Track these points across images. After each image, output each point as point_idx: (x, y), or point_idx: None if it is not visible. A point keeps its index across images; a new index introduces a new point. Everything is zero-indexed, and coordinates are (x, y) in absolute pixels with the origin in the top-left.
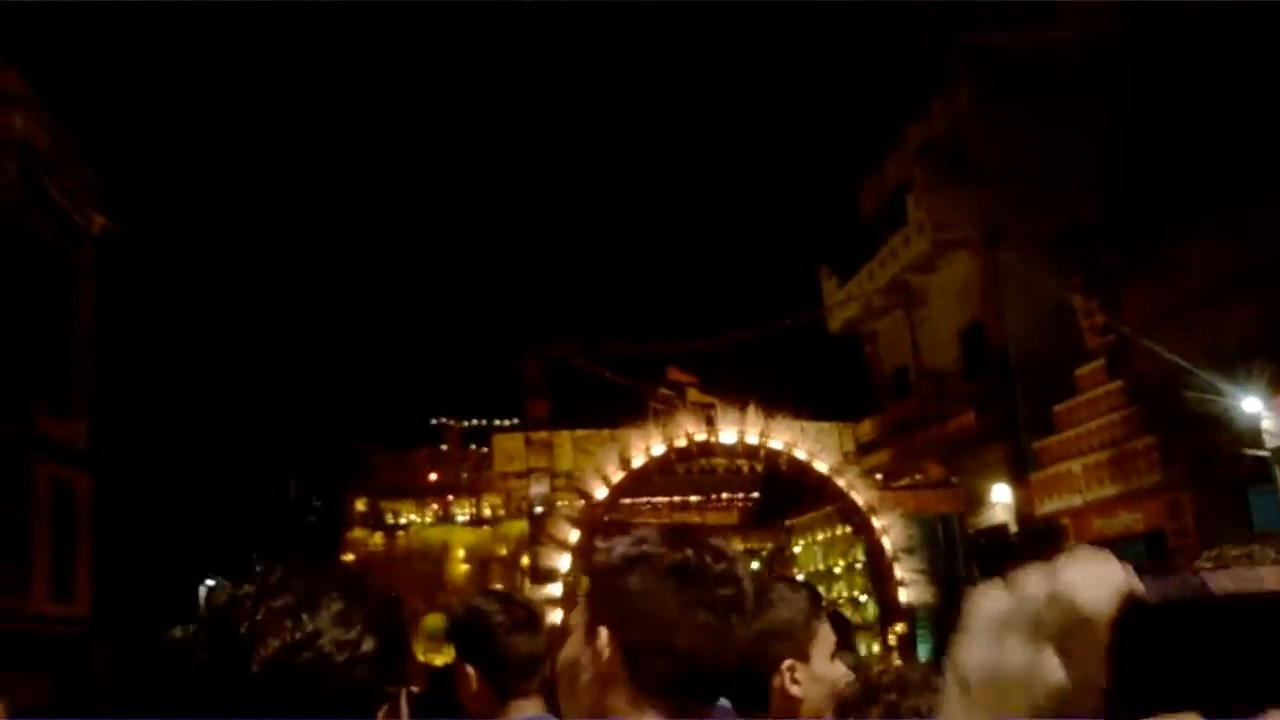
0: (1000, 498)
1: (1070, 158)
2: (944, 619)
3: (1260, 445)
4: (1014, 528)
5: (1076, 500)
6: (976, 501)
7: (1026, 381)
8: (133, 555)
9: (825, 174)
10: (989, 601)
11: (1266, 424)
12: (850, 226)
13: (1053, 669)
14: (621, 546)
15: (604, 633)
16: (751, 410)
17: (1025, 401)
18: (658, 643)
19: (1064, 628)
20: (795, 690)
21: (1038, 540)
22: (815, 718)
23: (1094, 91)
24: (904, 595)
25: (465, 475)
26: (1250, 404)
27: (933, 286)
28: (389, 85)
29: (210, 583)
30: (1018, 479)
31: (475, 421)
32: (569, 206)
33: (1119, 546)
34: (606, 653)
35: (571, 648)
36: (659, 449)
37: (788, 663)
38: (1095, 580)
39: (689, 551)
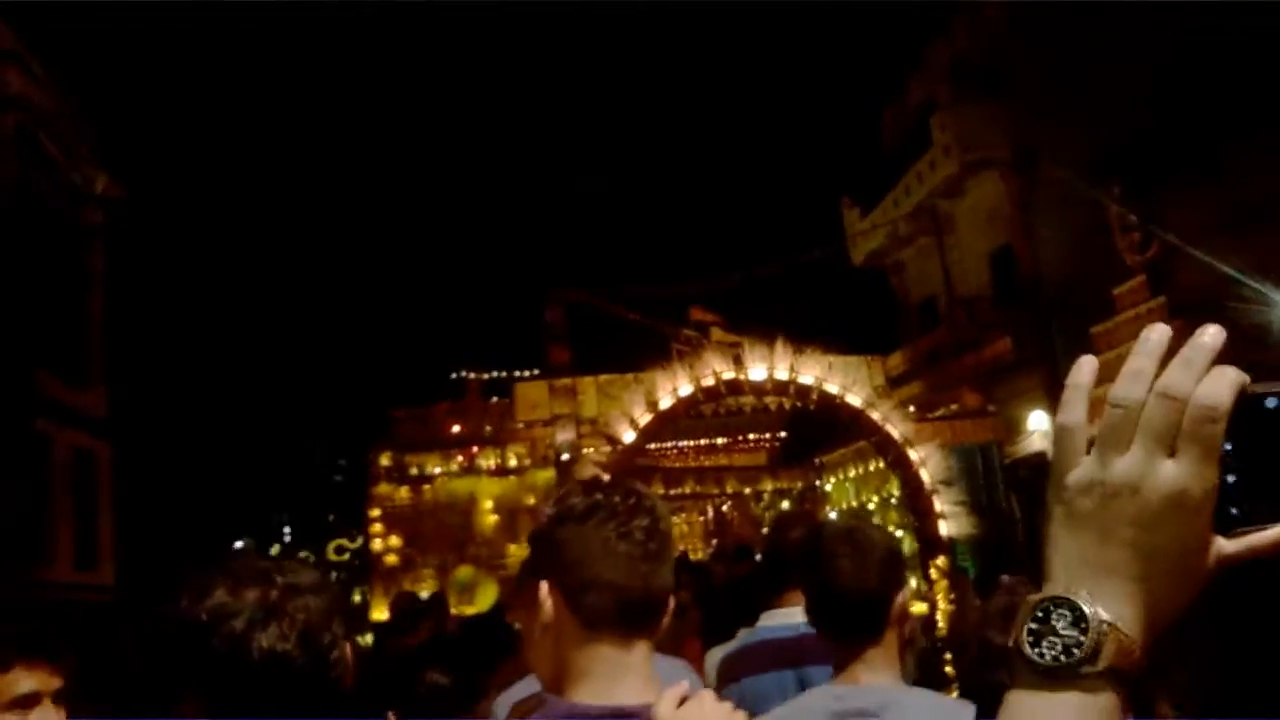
0: (1038, 425)
1: (1106, 74)
2: (986, 550)
3: None
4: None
5: None
6: (1014, 430)
7: (1062, 305)
8: (157, 521)
9: (845, 103)
10: (1075, 413)
11: None
12: (872, 156)
13: (1165, 470)
14: (548, 509)
15: (544, 586)
16: (779, 346)
17: (1061, 325)
18: (590, 581)
19: (1174, 426)
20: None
21: None
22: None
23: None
24: (944, 528)
25: (488, 426)
26: None
27: (960, 211)
28: (407, 36)
29: (240, 544)
30: (1056, 405)
31: (496, 374)
32: (585, 148)
33: None
34: (549, 602)
35: (529, 615)
36: (686, 390)
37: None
38: (1208, 376)
39: (599, 496)
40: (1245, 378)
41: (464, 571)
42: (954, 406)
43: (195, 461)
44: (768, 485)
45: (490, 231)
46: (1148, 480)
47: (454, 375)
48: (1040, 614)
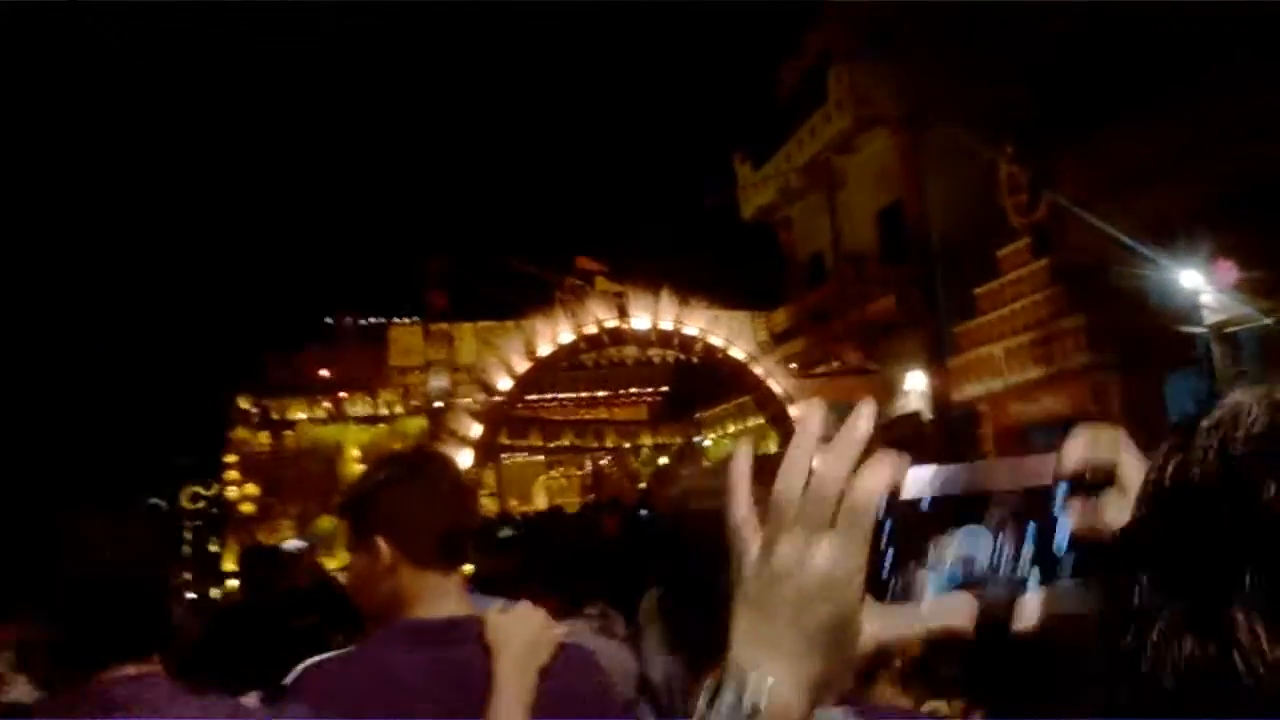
0: (915, 384)
1: (1002, 36)
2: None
3: (1197, 323)
4: (928, 415)
5: (997, 384)
6: (896, 389)
7: (948, 265)
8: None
9: (741, 55)
10: (741, 511)
11: (1205, 299)
12: (766, 111)
13: (820, 556)
14: (365, 477)
15: (379, 540)
16: (664, 296)
17: (946, 285)
18: (416, 528)
19: (828, 515)
20: None
21: (952, 427)
22: None
23: None
24: None
25: (360, 371)
26: (1188, 279)
27: (852, 167)
28: None
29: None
30: (936, 365)
31: (373, 320)
32: (473, 92)
33: (1038, 432)
34: (386, 550)
35: (355, 562)
36: (567, 337)
37: None
38: (865, 468)
39: (405, 458)
40: (899, 472)
41: (325, 522)
42: (836, 364)
43: (43, 401)
44: (647, 440)
45: (373, 172)
46: (804, 566)
47: (328, 320)
48: (714, 687)
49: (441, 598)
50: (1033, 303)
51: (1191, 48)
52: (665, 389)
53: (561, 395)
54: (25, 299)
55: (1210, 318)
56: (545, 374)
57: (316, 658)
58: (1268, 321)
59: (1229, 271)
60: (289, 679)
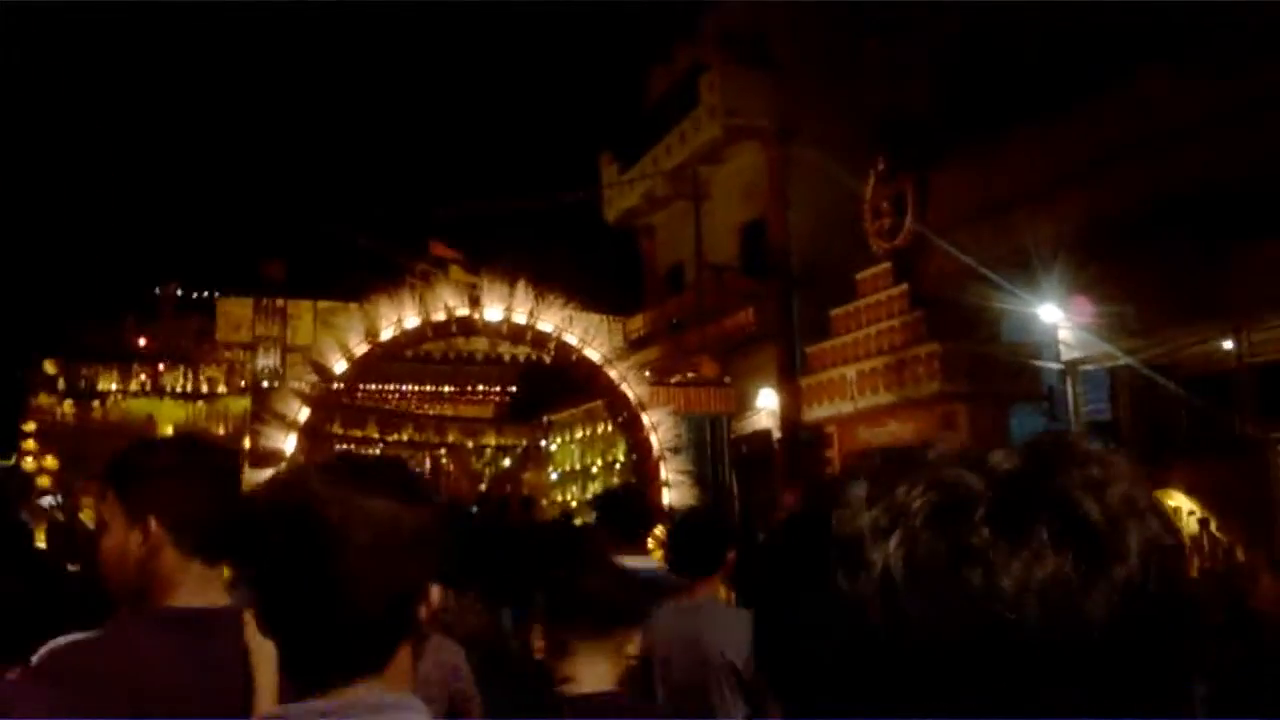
0: (766, 403)
1: (878, 54)
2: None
3: (1052, 357)
4: (777, 434)
5: (847, 408)
6: (746, 405)
7: (806, 284)
8: None
9: (612, 58)
10: None
11: (1063, 334)
12: (635, 114)
13: None
14: (144, 452)
15: (152, 520)
16: (520, 288)
17: (804, 304)
18: (192, 515)
19: None
20: None
21: (799, 448)
22: None
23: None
24: (667, 496)
25: (183, 344)
26: (1047, 313)
27: (718, 179)
28: None
29: None
30: (787, 384)
31: (200, 293)
32: (339, 63)
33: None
34: (157, 532)
35: (115, 537)
36: (413, 322)
37: None
38: None
39: (191, 442)
40: None
41: None
42: (690, 375)
43: None
44: (491, 440)
45: (213, 132)
46: None
47: (154, 289)
48: None
49: (203, 588)
50: (889, 328)
51: (1065, 69)
52: (513, 389)
53: (404, 387)
54: None
55: (1066, 354)
56: (387, 361)
57: (65, 638)
58: (1122, 361)
59: (1085, 307)
60: (35, 658)
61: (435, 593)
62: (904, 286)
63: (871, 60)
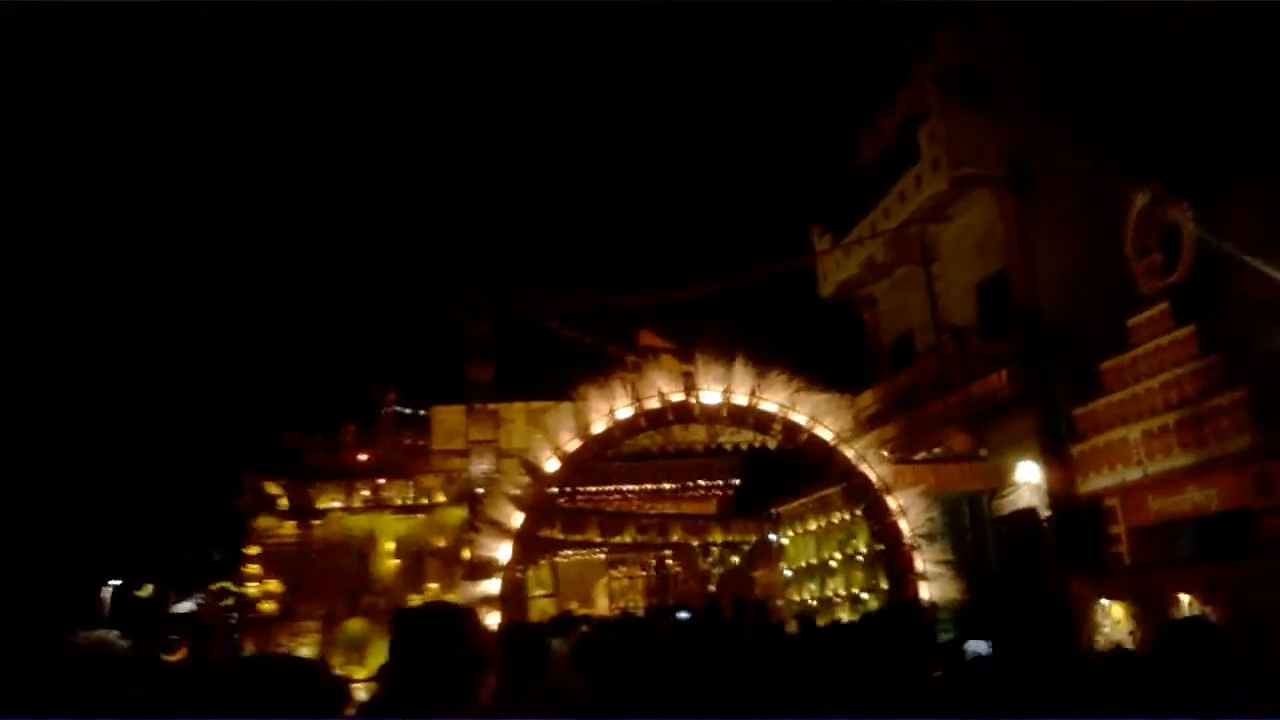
0: (1027, 476)
1: (1119, 75)
2: (972, 620)
3: None
4: (1045, 511)
5: (1134, 474)
6: (1006, 480)
7: (1061, 339)
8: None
9: (820, 126)
10: None
11: None
12: (845, 181)
13: None
14: None
15: None
16: (739, 367)
17: (1061, 362)
18: None
19: None
20: None
21: (1073, 525)
22: None
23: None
24: (925, 591)
25: (400, 456)
26: None
27: (946, 236)
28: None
29: (114, 583)
30: (1051, 453)
31: (408, 411)
32: (538, 151)
33: (1184, 530)
34: None
35: None
36: (626, 412)
37: None
38: None
39: None
40: None
41: (355, 625)
42: (938, 450)
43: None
44: (718, 537)
45: (415, 228)
46: None
47: (366, 395)
48: None
49: None
50: (1176, 376)
51: None
52: (737, 481)
53: (624, 487)
54: (36, 369)
55: None
56: (603, 460)
57: None
58: None
59: None
60: None
61: None
62: (1190, 328)
63: (1113, 78)
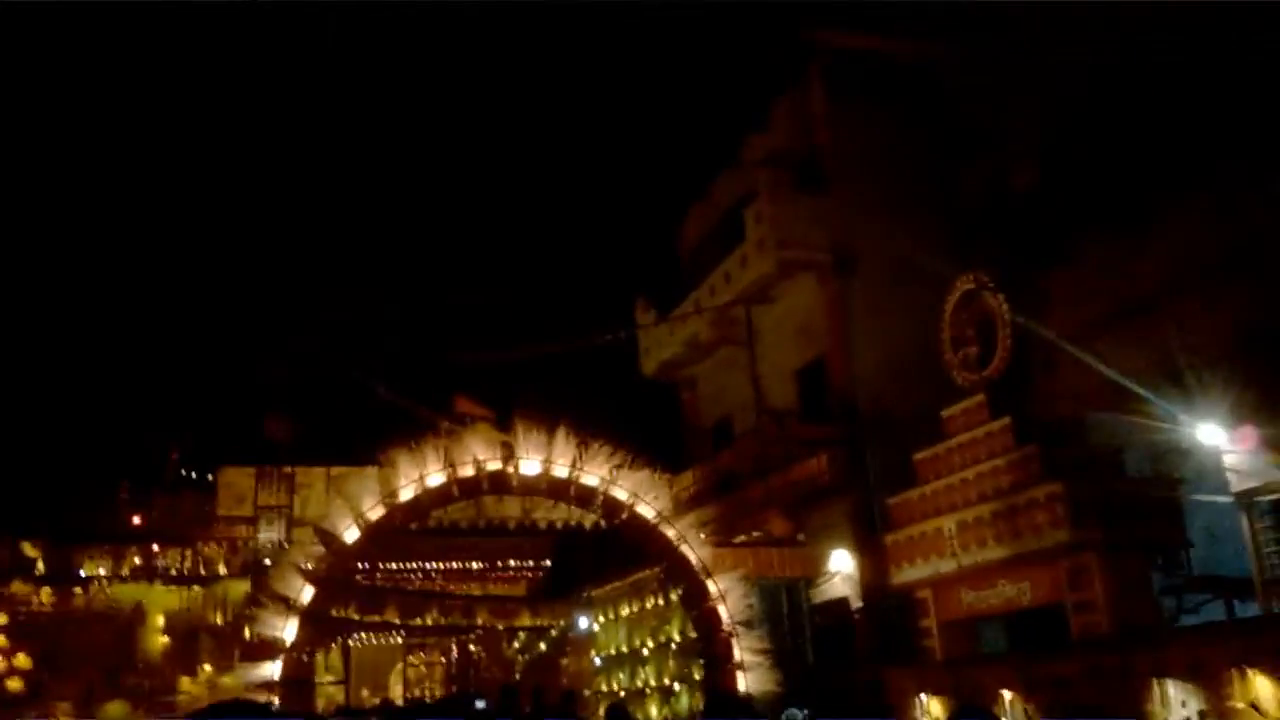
0: (840, 565)
1: (948, 167)
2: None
3: (1218, 489)
4: (856, 602)
5: (947, 565)
6: (823, 567)
7: (878, 427)
8: None
9: (647, 198)
10: None
11: (1231, 460)
12: (673, 256)
13: None
14: None
15: None
16: (561, 436)
17: (877, 450)
18: None
19: None
20: None
21: (884, 617)
22: None
23: (974, 98)
24: (742, 681)
25: (180, 522)
26: (1208, 434)
27: (769, 319)
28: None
29: None
30: (865, 542)
31: (200, 467)
32: (357, 207)
33: (993, 627)
34: None
35: None
36: (437, 479)
37: None
38: None
39: None
40: None
41: (115, 709)
42: (757, 534)
43: None
44: (526, 620)
45: (208, 268)
46: None
47: (144, 447)
48: None
49: None
50: (993, 468)
51: (1189, 156)
52: (548, 561)
53: (428, 564)
54: None
55: (1241, 483)
56: (406, 534)
57: None
58: None
59: (1249, 431)
60: None
61: None
62: (1006, 420)
63: (942, 170)
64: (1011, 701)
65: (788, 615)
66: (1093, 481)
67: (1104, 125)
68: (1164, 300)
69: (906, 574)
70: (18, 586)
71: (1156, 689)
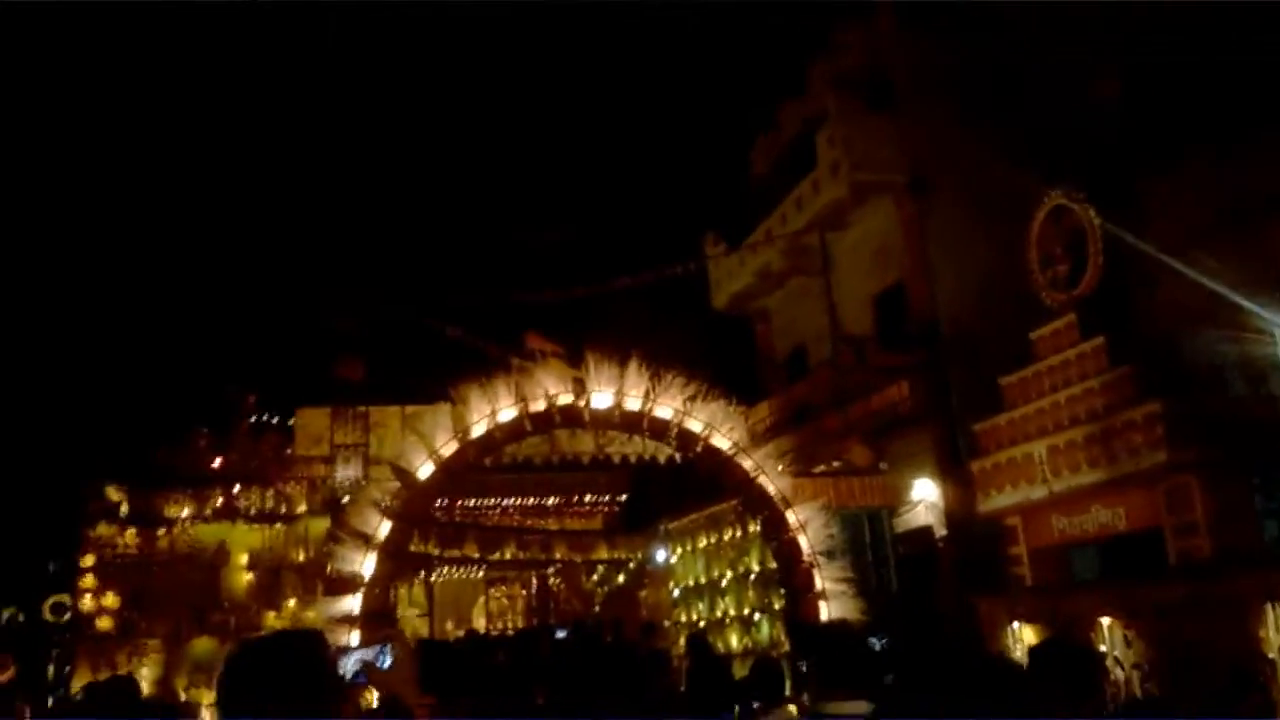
0: (923, 494)
1: (1016, 83)
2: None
3: None
4: (940, 530)
5: (1038, 492)
6: (905, 496)
7: (961, 352)
8: None
9: (715, 131)
10: None
11: None
12: (742, 189)
13: None
14: None
15: None
16: (633, 369)
17: (961, 375)
18: None
19: None
20: None
21: (971, 546)
22: None
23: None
24: (824, 611)
25: (259, 462)
26: None
27: (843, 245)
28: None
29: None
30: (949, 470)
31: (275, 410)
32: (419, 146)
33: (1085, 554)
34: None
35: None
36: (509, 414)
37: None
38: None
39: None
40: None
41: (202, 644)
42: (837, 464)
43: None
44: (603, 554)
45: (283, 219)
46: None
47: (222, 395)
48: None
49: None
50: (1085, 390)
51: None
52: (624, 496)
53: (505, 501)
54: None
55: None
56: (482, 470)
57: None
58: None
59: None
60: None
61: None
62: (1099, 339)
63: (1023, 86)
64: (1110, 627)
65: (870, 545)
66: (1192, 401)
67: (1193, 31)
68: (1269, 208)
69: (995, 501)
70: (103, 529)
71: (1270, 614)
